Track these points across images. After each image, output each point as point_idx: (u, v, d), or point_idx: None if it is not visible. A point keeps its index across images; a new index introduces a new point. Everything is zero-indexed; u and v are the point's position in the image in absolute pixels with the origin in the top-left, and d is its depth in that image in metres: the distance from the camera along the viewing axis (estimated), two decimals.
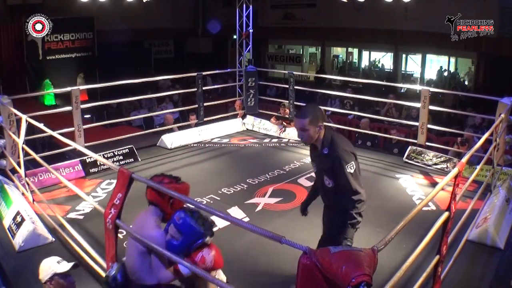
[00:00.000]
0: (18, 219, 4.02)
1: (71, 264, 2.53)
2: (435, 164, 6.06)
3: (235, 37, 9.15)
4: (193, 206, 2.35)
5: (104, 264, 3.40)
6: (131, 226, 2.51)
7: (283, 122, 7.73)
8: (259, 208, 4.79)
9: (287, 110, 7.66)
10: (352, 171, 2.73)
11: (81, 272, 3.34)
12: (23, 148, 4.40)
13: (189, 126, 7.66)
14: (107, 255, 2.72)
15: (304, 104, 8.01)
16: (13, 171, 5.21)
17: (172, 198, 2.43)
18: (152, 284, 2.35)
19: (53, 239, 3.95)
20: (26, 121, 4.35)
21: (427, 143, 6.29)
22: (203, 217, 2.37)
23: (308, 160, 5.09)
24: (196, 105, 7.43)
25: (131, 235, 2.28)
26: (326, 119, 2.71)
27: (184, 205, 2.50)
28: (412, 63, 14.11)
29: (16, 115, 4.69)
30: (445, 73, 13.31)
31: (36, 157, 4.24)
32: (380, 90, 10.92)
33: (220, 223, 4.32)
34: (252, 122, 8.14)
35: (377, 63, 15.01)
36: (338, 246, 1.76)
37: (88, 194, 4.81)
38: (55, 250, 3.81)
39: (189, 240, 2.31)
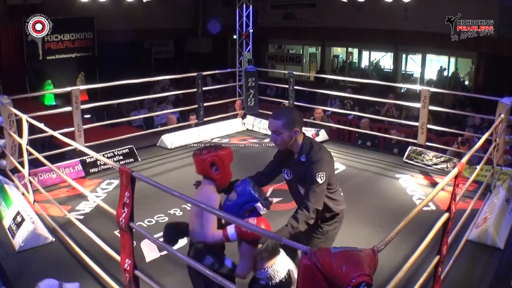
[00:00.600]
0: (18, 219, 4.03)
1: (78, 285, 2.57)
2: (435, 164, 6.06)
3: (235, 37, 9.15)
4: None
5: (104, 264, 3.41)
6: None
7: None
8: None
9: None
10: (321, 181, 2.54)
11: (81, 272, 3.35)
12: (26, 149, 4.40)
13: (189, 126, 7.66)
14: (122, 252, 2.73)
15: (303, 104, 8.11)
16: (13, 171, 5.21)
17: (215, 165, 2.56)
18: (200, 240, 2.45)
19: (53, 239, 3.95)
20: (27, 121, 4.36)
21: (427, 143, 6.29)
22: (261, 189, 2.45)
23: None
24: (196, 105, 7.43)
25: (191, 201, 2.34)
26: (303, 124, 2.72)
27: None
28: (412, 63, 14.12)
29: (16, 115, 4.69)
30: (445, 73, 13.31)
31: (40, 157, 4.25)
32: (380, 90, 10.93)
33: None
34: (252, 122, 8.14)
35: (376, 63, 15.01)
36: (338, 247, 1.76)
37: None
38: (55, 250, 3.82)
39: (241, 200, 2.38)
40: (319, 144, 2.77)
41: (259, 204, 2.38)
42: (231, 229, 2.37)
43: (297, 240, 1.94)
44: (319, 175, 2.54)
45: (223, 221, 2.51)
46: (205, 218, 2.43)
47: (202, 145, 7.18)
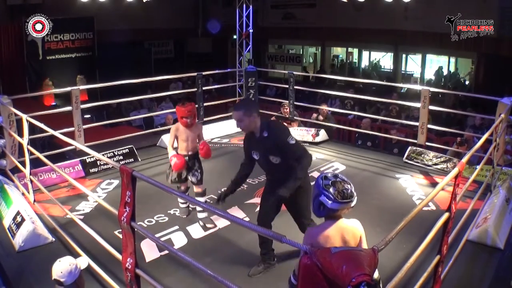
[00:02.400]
0: (18, 219, 4.02)
1: (87, 259, 2.74)
2: (435, 164, 6.06)
3: (235, 37, 9.16)
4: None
5: (104, 264, 3.41)
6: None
7: (283, 122, 7.72)
8: (259, 208, 4.78)
9: (287, 110, 7.66)
10: (293, 142, 3.18)
11: (82, 272, 3.34)
12: (27, 148, 4.41)
13: None
14: (124, 251, 2.74)
15: (304, 104, 8.11)
16: (13, 171, 5.21)
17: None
18: None
19: (53, 239, 3.95)
20: (28, 121, 4.36)
21: (427, 143, 6.29)
22: (339, 185, 2.25)
23: None
24: (196, 105, 7.43)
25: None
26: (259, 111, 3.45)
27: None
28: (412, 63, 14.12)
29: (16, 115, 4.69)
30: (444, 72, 13.32)
31: (41, 156, 4.25)
32: (381, 90, 10.93)
33: (220, 222, 4.33)
34: None
35: (376, 63, 15.01)
36: (339, 247, 1.77)
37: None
38: (55, 250, 3.82)
39: (313, 193, 2.32)
40: (273, 120, 3.63)
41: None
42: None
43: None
44: (289, 138, 3.18)
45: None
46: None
47: None
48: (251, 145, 3.45)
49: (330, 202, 2.20)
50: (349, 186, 2.26)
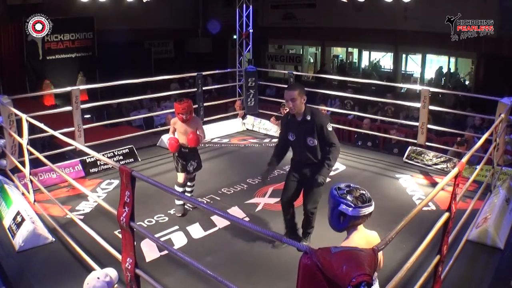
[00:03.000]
0: (18, 219, 4.02)
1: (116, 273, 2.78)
2: (435, 164, 6.06)
3: (235, 37, 9.15)
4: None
5: (104, 264, 3.40)
6: None
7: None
8: (259, 208, 4.79)
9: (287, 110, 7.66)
10: (331, 129, 3.57)
11: (82, 271, 3.35)
12: (27, 148, 4.41)
13: None
14: (123, 251, 2.74)
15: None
16: (13, 171, 5.21)
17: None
18: None
19: (53, 239, 3.95)
20: (27, 121, 4.36)
21: (427, 143, 6.29)
22: (356, 191, 2.21)
23: None
24: (196, 105, 7.43)
25: None
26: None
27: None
28: (412, 63, 14.12)
29: (16, 115, 4.69)
30: (444, 72, 13.32)
31: (41, 157, 4.25)
32: (381, 90, 10.93)
33: (220, 222, 4.33)
34: (252, 122, 8.14)
35: (376, 63, 15.01)
36: (339, 246, 1.77)
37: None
38: (55, 250, 3.82)
39: (330, 207, 2.24)
40: (315, 108, 3.90)
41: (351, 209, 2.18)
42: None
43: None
44: (328, 125, 3.55)
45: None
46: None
47: (202, 145, 7.18)
48: (290, 126, 3.72)
49: (351, 209, 2.14)
50: (364, 191, 2.22)
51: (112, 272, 2.75)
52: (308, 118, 3.57)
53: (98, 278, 2.62)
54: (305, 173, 3.74)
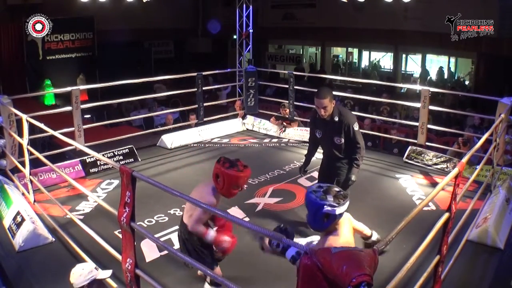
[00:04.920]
0: (18, 219, 4.02)
1: (111, 271, 2.71)
2: (435, 164, 6.06)
3: (235, 37, 9.15)
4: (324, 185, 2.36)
5: (104, 264, 3.40)
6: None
7: (283, 122, 7.72)
8: (259, 208, 4.79)
9: (287, 110, 7.66)
10: (357, 128, 3.76)
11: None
12: (27, 149, 4.40)
13: (189, 126, 7.66)
14: (123, 252, 2.74)
15: (303, 104, 8.11)
16: (13, 171, 5.21)
17: (219, 177, 2.96)
18: (186, 224, 3.01)
19: (53, 239, 3.95)
20: (27, 121, 4.36)
21: (427, 143, 6.29)
22: (332, 190, 2.28)
23: None
24: (196, 105, 7.43)
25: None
26: None
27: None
28: (412, 63, 14.12)
29: (16, 115, 4.69)
30: (445, 72, 13.31)
31: (41, 157, 4.25)
32: (381, 90, 10.93)
33: None
34: (252, 122, 8.14)
35: (375, 63, 15.01)
36: (339, 247, 1.77)
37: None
38: (55, 250, 3.82)
39: (311, 211, 2.29)
40: (342, 106, 4.10)
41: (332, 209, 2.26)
42: (211, 233, 2.92)
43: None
44: (354, 125, 3.75)
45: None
46: (196, 213, 2.93)
47: (202, 145, 7.18)
48: (317, 125, 3.94)
49: (336, 209, 2.19)
50: (336, 187, 2.31)
51: (103, 272, 2.71)
52: (336, 119, 3.74)
53: (78, 264, 2.65)
54: (332, 166, 3.98)
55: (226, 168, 2.93)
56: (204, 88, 7.53)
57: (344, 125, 3.73)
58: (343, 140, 3.79)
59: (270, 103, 8.98)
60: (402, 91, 12.24)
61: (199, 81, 7.29)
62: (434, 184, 5.43)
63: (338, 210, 2.20)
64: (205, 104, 7.46)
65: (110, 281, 3.17)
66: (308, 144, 4.34)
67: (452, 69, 13.31)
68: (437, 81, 13.13)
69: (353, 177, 3.79)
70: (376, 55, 15.01)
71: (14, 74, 11.60)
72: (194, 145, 7.14)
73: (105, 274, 2.66)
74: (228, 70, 10.35)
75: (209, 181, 3.07)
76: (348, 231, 2.36)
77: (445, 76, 13.26)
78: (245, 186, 3.68)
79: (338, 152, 3.89)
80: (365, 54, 15.27)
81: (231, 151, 6.88)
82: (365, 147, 3.88)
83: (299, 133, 7.33)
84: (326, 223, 2.24)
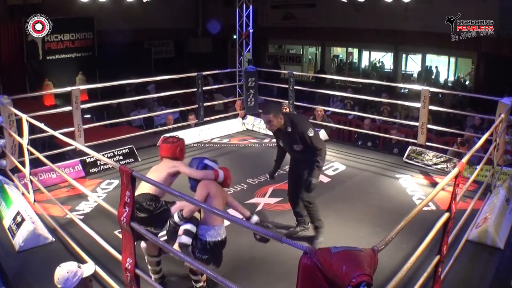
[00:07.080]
0: (18, 219, 4.02)
1: (93, 264, 2.70)
2: (435, 164, 6.06)
3: (235, 37, 9.14)
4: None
5: (104, 264, 3.41)
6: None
7: None
8: (259, 208, 4.79)
9: (287, 110, 7.66)
10: (312, 134, 3.86)
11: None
12: (27, 149, 4.40)
13: (189, 126, 7.66)
14: (123, 251, 2.74)
15: (304, 104, 8.12)
16: (13, 171, 5.21)
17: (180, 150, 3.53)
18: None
19: (53, 239, 3.95)
20: (27, 121, 4.36)
21: (427, 143, 6.29)
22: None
23: None
24: (196, 105, 7.43)
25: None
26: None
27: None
28: (412, 63, 14.12)
29: (16, 115, 4.69)
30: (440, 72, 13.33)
31: (41, 157, 4.25)
32: (381, 90, 10.92)
33: None
34: (252, 122, 8.14)
35: (375, 64, 15.00)
36: (339, 247, 1.77)
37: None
38: (55, 250, 3.82)
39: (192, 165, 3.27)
40: (295, 114, 4.39)
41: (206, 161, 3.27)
42: (221, 174, 3.29)
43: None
44: (308, 131, 3.85)
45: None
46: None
47: (202, 145, 7.19)
48: (278, 135, 4.12)
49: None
50: None
51: (86, 267, 2.63)
52: (289, 130, 3.90)
53: (60, 266, 2.52)
54: (297, 168, 4.15)
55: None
56: (204, 88, 7.53)
57: (298, 134, 3.88)
58: (301, 146, 3.94)
59: (270, 103, 8.96)
60: (403, 91, 12.24)
61: (199, 81, 7.29)
62: (434, 184, 5.43)
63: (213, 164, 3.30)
64: (205, 104, 7.46)
65: (110, 281, 3.18)
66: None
67: (452, 69, 13.30)
68: (434, 81, 13.13)
69: (313, 180, 3.89)
70: (376, 55, 15.01)
71: (14, 74, 11.59)
72: (194, 145, 7.14)
73: (89, 270, 2.59)
74: (228, 70, 10.35)
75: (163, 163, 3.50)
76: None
77: (439, 76, 13.27)
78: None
79: (301, 156, 4.04)
80: (365, 54, 15.27)
81: (231, 151, 6.88)
82: (326, 149, 4.01)
83: None
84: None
